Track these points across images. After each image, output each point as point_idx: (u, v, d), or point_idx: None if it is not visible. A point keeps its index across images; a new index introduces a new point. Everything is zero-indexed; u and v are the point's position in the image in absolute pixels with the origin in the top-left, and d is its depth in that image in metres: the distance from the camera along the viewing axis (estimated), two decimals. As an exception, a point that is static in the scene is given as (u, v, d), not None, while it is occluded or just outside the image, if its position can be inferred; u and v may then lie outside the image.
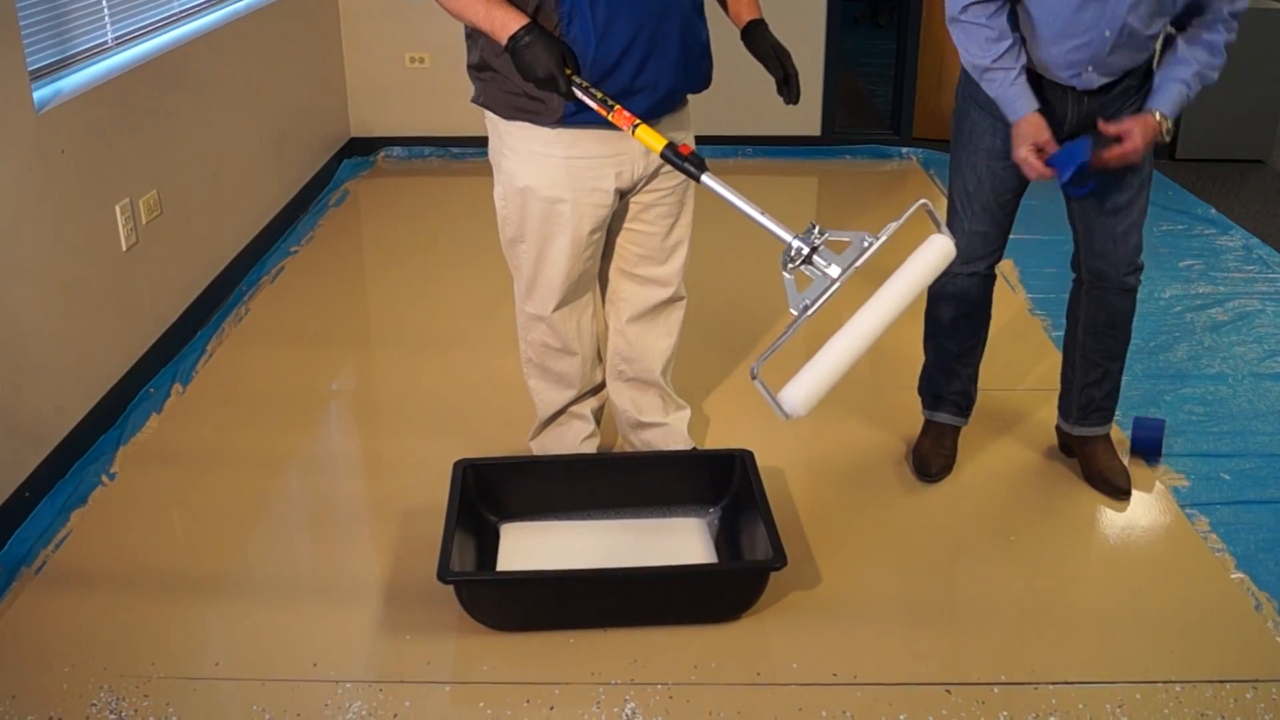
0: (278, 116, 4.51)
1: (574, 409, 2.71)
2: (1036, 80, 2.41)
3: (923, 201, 2.02)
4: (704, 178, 2.07)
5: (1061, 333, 3.54)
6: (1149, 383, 3.26)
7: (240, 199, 4.09)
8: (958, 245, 2.38)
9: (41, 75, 2.88)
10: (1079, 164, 2.34)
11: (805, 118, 5.51)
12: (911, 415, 3.09)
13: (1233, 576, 2.45)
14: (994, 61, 2.35)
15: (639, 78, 2.22)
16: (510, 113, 2.31)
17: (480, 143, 5.92)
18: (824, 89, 5.49)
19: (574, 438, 2.73)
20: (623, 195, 2.42)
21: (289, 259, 4.23)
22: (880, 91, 6.70)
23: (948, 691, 2.12)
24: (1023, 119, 2.36)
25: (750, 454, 2.55)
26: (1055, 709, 2.08)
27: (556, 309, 2.49)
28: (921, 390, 2.90)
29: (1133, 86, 2.42)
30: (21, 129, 2.68)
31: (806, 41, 5.29)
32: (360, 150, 5.53)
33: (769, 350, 1.91)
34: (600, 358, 2.71)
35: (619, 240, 2.53)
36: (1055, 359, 3.40)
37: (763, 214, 2.03)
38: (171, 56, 3.51)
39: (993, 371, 3.34)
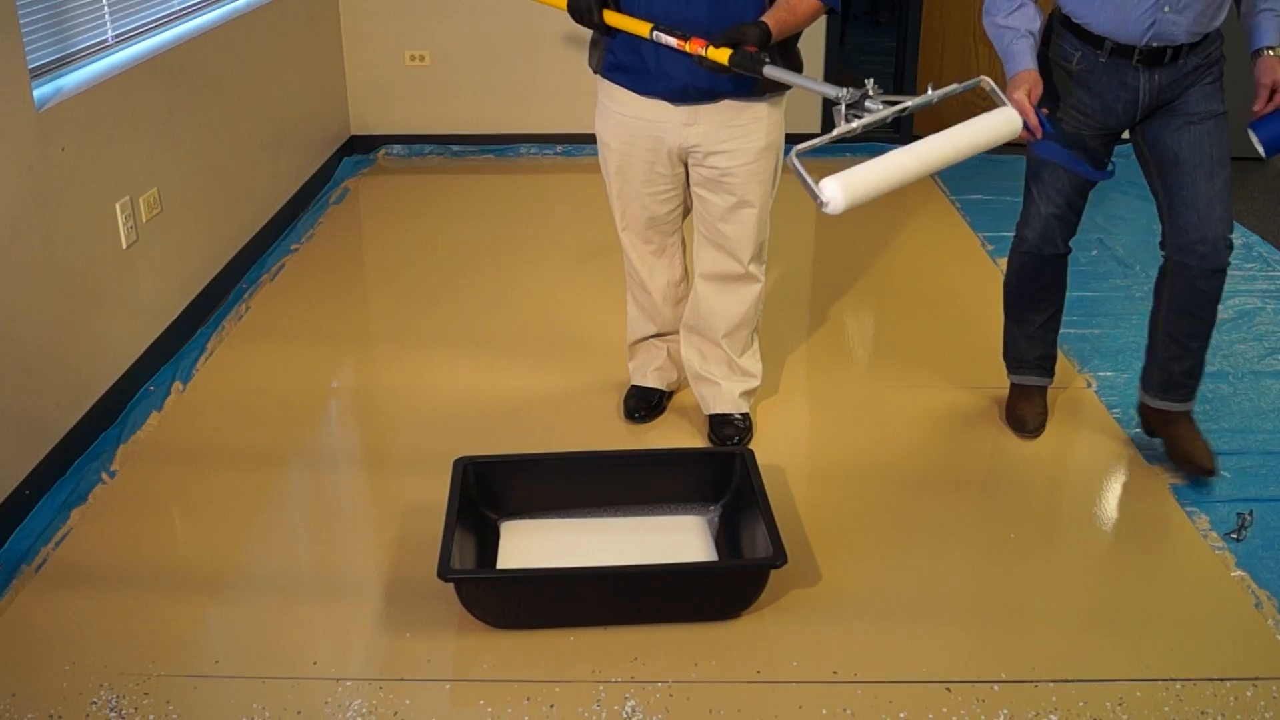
0: (278, 114, 4.51)
1: (654, 340, 3.03)
2: (1106, 70, 2.57)
3: (983, 77, 2.18)
4: (766, 69, 2.29)
5: (1061, 329, 3.55)
6: (1149, 381, 3.26)
7: (240, 196, 4.09)
8: (1035, 229, 2.76)
9: (42, 73, 2.88)
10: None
11: (805, 116, 5.51)
12: (912, 413, 3.10)
13: (1233, 574, 2.45)
14: (1005, 18, 2.55)
15: (659, 64, 2.54)
16: (591, 61, 2.72)
17: (479, 140, 5.93)
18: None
19: (647, 364, 3.05)
20: (684, 162, 2.70)
21: (289, 257, 4.23)
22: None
23: (948, 689, 2.12)
24: (1022, 70, 2.51)
25: (750, 452, 2.55)
26: (1055, 707, 2.08)
27: (627, 232, 2.84)
28: (1006, 357, 3.07)
29: (1202, 65, 2.56)
30: (22, 127, 2.68)
31: (806, 38, 5.28)
32: (361, 148, 5.52)
33: (811, 144, 1.98)
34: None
35: (694, 205, 2.78)
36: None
37: (816, 81, 2.24)
38: (172, 54, 3.51)
39: (991, 369, 3.33)
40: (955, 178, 5.11)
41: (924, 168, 2.06)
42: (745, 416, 2.93)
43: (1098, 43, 2.56)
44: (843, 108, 2.10)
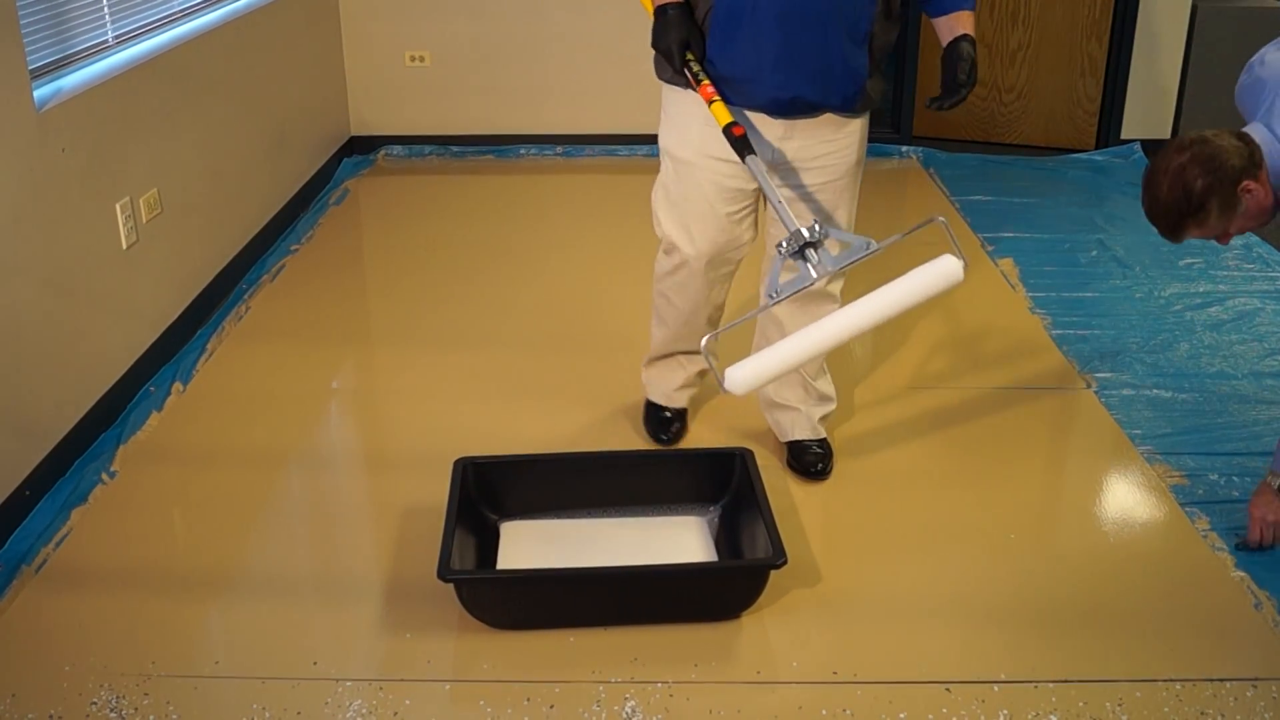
0: (278, 115, 4.51)
1: (681, 357, 2.87)
2: None
3: (940, 219, 2.09)
4: (747, 159, 2.25)
5: (1061, 331, 3.56)
6: (1149, 380, 3.26)
7: (240, 197, 4.09)
8: None
9: (42, 74, 2.88)
10: None
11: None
12: (912, 413, 3.10)
13: (1233, 575, 2.45)
14: None
15: (775, 73, 2.35)
16: (661, 72, 2.54)
17: (479, 141, 5.93)
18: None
19: (670, 383, 2.90)
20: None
21: (289, 257, 4.23)
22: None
23: (948, 690, 2.12)
24: None
25: (750, 452, 2.55)
26: (1055, 707, 2.08)
27: (698, 260, 2.61)
28: None
29: None
30: (22, 128, 2.68)
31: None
32: (360, 149, 5.52)
33: (725, 328, 2.09)
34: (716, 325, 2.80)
35: (770, 229, 2.62)
36: (1054, 357, 3.41)
37: (781, 201, 2.22)
38: (172, 55, 3.51)
39: (991, 369, 3.34)
40: (955, 178, 5.12)
41: (839, 343, 2.10)
42: (824, 442, 2.82)
43: None
44: (783, 250, 2.13)
